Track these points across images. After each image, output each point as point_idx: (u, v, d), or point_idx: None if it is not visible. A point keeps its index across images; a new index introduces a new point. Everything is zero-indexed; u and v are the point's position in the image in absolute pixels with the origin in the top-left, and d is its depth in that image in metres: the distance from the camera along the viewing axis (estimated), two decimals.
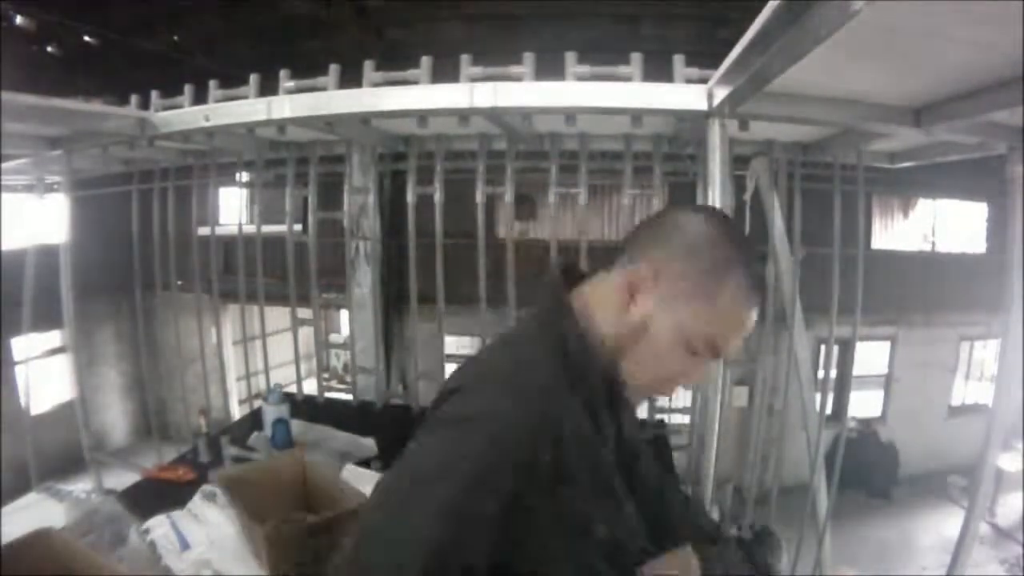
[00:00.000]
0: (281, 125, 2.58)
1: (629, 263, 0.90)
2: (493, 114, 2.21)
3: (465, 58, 2.16)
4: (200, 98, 2.48)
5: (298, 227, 3.84)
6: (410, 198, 3.00)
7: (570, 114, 2.36)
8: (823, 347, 3.09)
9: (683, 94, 1.92)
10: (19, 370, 6.77)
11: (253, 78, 2.39)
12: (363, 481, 1.92)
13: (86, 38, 7.18)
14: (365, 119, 2.51)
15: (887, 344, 8.94)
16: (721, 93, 1.78)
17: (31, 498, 2.69)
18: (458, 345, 7.39)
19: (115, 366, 9.13)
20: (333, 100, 2.24)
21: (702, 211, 0.97)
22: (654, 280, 0.88)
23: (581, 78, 2.08)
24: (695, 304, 0.87)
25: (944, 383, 9.12)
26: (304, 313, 3.33)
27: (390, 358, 6.85)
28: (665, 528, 1.04)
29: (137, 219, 3.46)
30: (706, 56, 1.97)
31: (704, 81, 1.90)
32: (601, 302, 0.91)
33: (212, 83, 2.45)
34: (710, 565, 1.00)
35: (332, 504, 1.69)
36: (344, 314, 7.04)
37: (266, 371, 3.45)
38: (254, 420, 2.73)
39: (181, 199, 3.41)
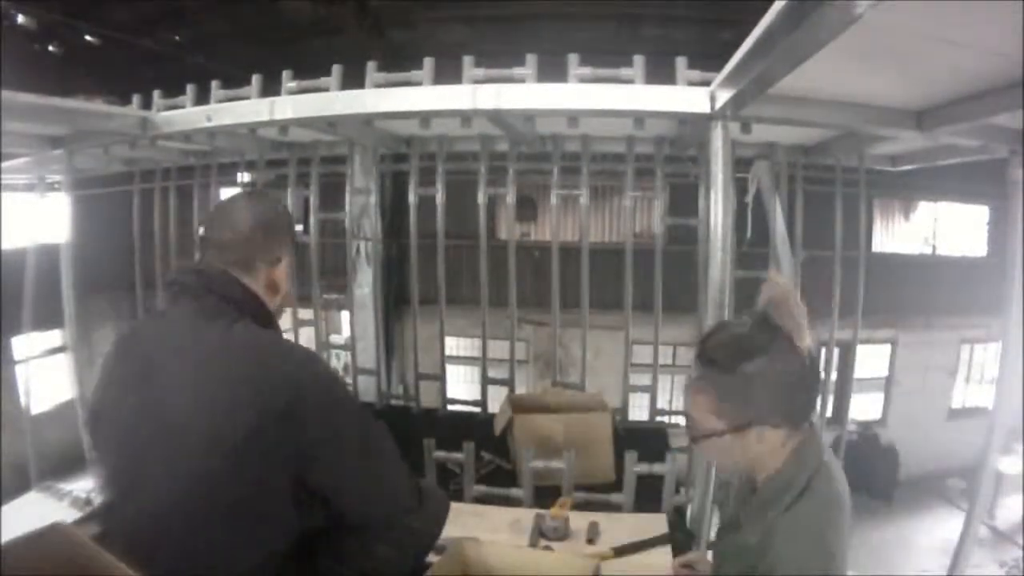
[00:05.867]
0: (283, 126, 2.58)
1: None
2: (495, 116, 2.21)
3: (468, 60, 2.16)
4: (202, 98, 2.48)
5: (299, 227, 3.84)
6: (412, 199, 3.01)
7: (572, 116, 2.36)
8: (823, 350, 3.09)
9: (686, 96, 1.92)
10: (19, 369, 6.77)
11: (255, 78, 2.39)
12: None
13: (88, 37, 7.17)
14: (367, 120, 2.51)
15: (887, 347, 8.94)
16: (724, 96, 1.78)
17: (31, 497, 2.70)
18: (459, 346, 7.38)
19: None
20: (335, 101, 2.24)
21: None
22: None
23: (583, 80, 2.08)
24: None
25: (944, 386, 9.12)
26: (305, 314, 3.33)
27: (391, 359, 6.84)
28: None
29: (138, 219, 3.45)
30: (708, 58, 1.97)
31: (706, 83, 1.90)
32: None
33: (214, 83, 2.45)
34: None
35: None
36: (345, 315, 7.03)
37: None
38: None
39: (182, 199, 3.41)
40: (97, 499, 1.31)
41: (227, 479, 1.13)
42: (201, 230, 1.34)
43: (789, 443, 1.14)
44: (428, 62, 2.19)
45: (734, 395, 1.12)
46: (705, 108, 1.87)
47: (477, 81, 2.13)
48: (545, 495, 2.21)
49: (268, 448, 1.14)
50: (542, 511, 2.05)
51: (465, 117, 2.36)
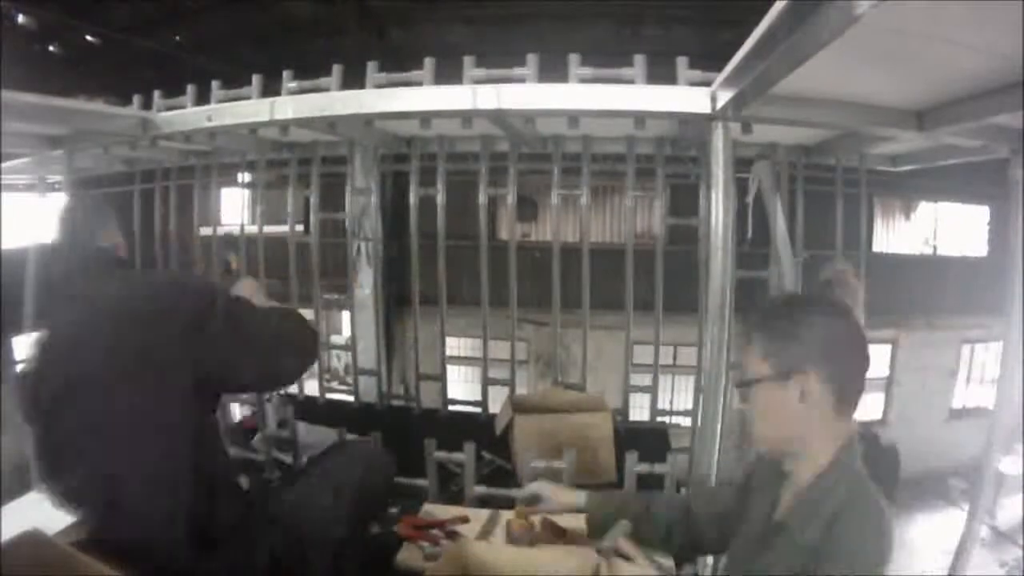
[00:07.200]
0: (283, 126, 2.58)
1: None
2: (496, 116, 2.21)
3: (468, 60, 2.15)
4: (203, 98, 2.48)
5: (300, 228, 3.84)
6: (412, 199, 3.01)
7: (573, 116, 2.36)
8: None
9: (686, 97, 1.92)
10: (20, 369, 6.76)
11: (256, 78, 2.39)
12: None
13: (88, 37, 7.18)
14: (368, 120, 2.51)
15: (888, 347, 8.94)
16: (725, 96, 1.78)
17: (31, 497, 2.69)
18: (460, 346, 7.39)
19: None
20: (336, 101, 2.23)
21: None
22: None
23: (584, 80, 2.08)
24: None
25: (945, 386, 9.12)
26: (306, 314, 3.32)
27: (391, 359, 6.84)
28: None
29: (139, 219, 3.46)
30: (709, 58, 1.97)
31: (707, 83, 1.89)
32: None
33: (215, 83, 2.44)
34: None
35: None
36: (345, 315, 7.02)
37: None
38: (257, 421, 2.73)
39: (183, 199, 3.42)
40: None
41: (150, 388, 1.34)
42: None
43: (836, 430, 1.13)
44: (428, 62, 2.18)
45: (783, 337, 1.14)
46: (706, 108, 1.87)
47: (477, 81, 2.12)
48: None
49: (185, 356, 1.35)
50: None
51: (465, 117, 2.36)
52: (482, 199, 2.91)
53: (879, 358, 8.93)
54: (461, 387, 5.56)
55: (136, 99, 2.59)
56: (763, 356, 1.15)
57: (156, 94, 2.55)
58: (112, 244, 1.67)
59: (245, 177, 3.55)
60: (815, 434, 1.14)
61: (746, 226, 2.82)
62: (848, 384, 1.15)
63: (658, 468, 2.24)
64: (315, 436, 2.59)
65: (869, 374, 1.18)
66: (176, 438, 1.35)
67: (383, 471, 1.88)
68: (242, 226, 3.39)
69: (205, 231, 3.52)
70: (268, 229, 3.36)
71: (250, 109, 2.33)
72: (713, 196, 1.91)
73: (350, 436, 2.50)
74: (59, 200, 1.91)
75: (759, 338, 1.17)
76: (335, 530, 1.58)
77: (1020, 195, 2.08)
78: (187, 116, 2.46)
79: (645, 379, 2.97)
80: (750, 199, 2.79)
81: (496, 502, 2.21)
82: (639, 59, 2.03)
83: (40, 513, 1.43)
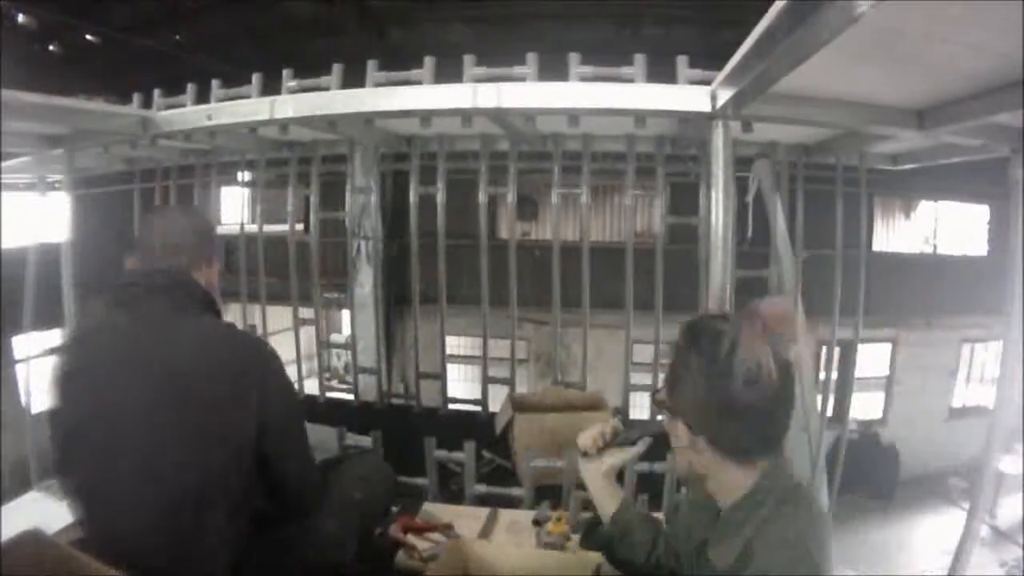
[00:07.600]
0: (283, 125, 2.58)
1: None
2: (496, 115, 2.21)
3: (468, 59, 2.15)
4: (202, 97, 2.48)
5: (300, 227, 3.84)
6: (412, 198, 3.00)
7: (573, 115, 2.36)
8: (824, 349, 3.10)
9: (686, 96, 1.92)
10: (19, 369, 6.77)
11: (256, 77, 2.39)
12: None
13: (88, 36, 7.18)
14: (368, 119, 2.51)
15: (888, 346, 8.94)
16: (725, 95, 1.78)
17: (32, 497, 2.69)
18: (460, 345, 7.39)
19: None
20: (336, 100, 2.23)
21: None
22: None
23: (584, 79, 2.08)
24: None
25: (945, 385, 9.12)
26: (305, 313, 3.33)
27: (391, 358, 6.84)
28: None
29: (139, 218, 3.45)
30: (709, 57, 1.97)
31: (707, 82, 1.89)
32: None
33: (215, 82, 2.44)
34: None
35: None
36: (345, 314, 7.05)
37: None
38: None
39: (183, 198, 3.41)
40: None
41: (223, 446, 1.34)
42: (140, 237, 1.53)
43: (745, 474, 1.09)
44: (428, 61, 2.18)
45: (672, 379, 1.13)
46: (706, 107, 1.87)
47: (478, 80, 2.12)
48: (546, 494, 2.21)
49: (245, 414, 1.35)
50: (539, 519, 2.04)
51: (466, 116, 2.36)
52: (482, 198, 2.91)
53: (879, 358, 8.94)
54: (461, 386, 5.56)
55: (136, 98, 2.60)
56: (664, 382, 1.15)
57: (156, 93, 2.55)
58: (206, 282, 1.52)
59: (245, 176, 3.55)
60: (716, 477, 1.11)
61: (746, 225, 2.81)
62: (730, 443, 1.07)
63: (658, 467, 2.24)
64: (315, 435, 2.59)
65: (770, 428, 1.09)
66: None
67: (384, 484, 1.86)
68: (242, 225, 3.40)
69: None
70: (268, 228, 3.36)
71: (250, 108, 2.33)
72: (713, 195, 1.91)
73: (350, 435, 2.50)
74: (157, 216, 1.70)
75: (670, 361, 1.13)
76: (336, 555, 1.57)
77: (1020, 194, 2.08)
78: (187, 115, 2.46)
79: (645, 378, 2.97)
80: (750, 198, 2.79)
81: (495, 501, 2.22)
82: (639, 58, 2.03)
83: (40, 513, 1.43)
